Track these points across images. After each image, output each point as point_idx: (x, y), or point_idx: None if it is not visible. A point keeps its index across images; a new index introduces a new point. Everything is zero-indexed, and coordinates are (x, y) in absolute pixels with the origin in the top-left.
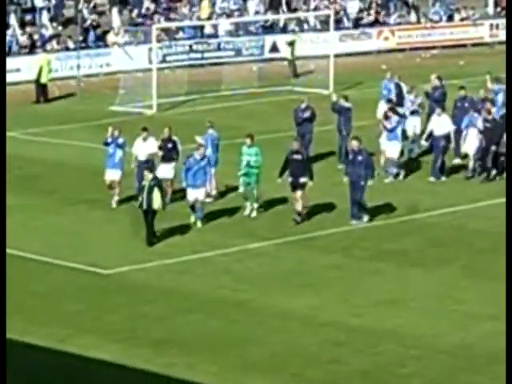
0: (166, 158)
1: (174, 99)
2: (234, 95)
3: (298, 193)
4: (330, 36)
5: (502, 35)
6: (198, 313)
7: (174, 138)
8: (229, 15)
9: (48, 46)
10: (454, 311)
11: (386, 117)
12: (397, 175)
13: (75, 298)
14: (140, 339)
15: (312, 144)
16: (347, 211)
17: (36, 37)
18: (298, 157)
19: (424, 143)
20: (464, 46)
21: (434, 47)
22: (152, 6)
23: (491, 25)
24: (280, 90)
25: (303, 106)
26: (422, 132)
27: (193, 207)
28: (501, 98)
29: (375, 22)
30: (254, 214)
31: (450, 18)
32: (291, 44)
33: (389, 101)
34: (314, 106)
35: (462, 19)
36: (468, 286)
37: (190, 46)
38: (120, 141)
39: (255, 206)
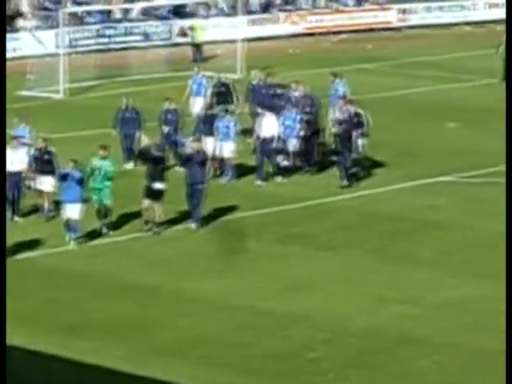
0: (43, 171)
1: (83, 84)
2: (142, 80)
3: (155, 203)
4: (239, 20)
5: (409, 20)
6: (107, 297)
7: (51, 148)
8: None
9: None
10: (363, 295)
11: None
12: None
13: None
14: (50, 324)
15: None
16: (255, 196)
17: None
18: (157, 154)
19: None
20: (372, 30)
21: (342, 31)
22: None
23: (399, 9)
24: (188, 74)
25: (124, 105)
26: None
27: (68, 224)
28: (342, 90)
29: (284, 7)
30: (105, 230)
31: (358, 3)
32: (192, 29)
33: (217, 94)
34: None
35: (371, 3)
36: (376, 269)
37: (98, 31)
38: None
39: (106, 222)
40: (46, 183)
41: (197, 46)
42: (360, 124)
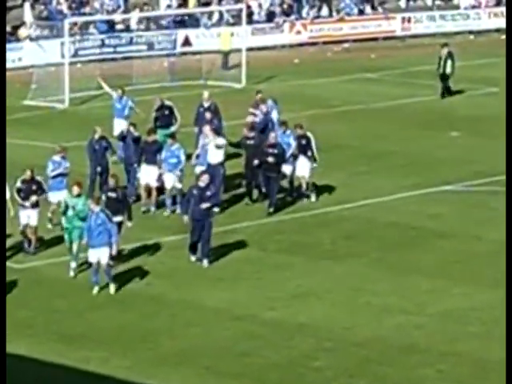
0: (29, 203)
1: (86, 93)
2: (146, 89)
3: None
4: (242, 30)
5: (413, 29)
6: (112, 307)
7: (38, 178)
8: (141, 9)
9: None
10: (367, 304)
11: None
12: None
13: None
14: (54, 334)
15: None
16: (260, 204)
17: None
18: (113, 195)
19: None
20: (375, 39)
21: (345, 41)
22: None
23: (403, 18)
24: (192, 84)
25: (97, 135)
26: None
27: (96, 269)
28: (275, 115)
29: (287, 16)
30: (72, 273)
31: (362, 12)
32: (219, 36)
33: (160, 118)
34: (226, 100)
35: (374, 12)
36: (380, 278)
37: (102, 40)
38: None
39: (74, 265)
40: (32, 217)
41: (225, 54)
42: (306, 147)
